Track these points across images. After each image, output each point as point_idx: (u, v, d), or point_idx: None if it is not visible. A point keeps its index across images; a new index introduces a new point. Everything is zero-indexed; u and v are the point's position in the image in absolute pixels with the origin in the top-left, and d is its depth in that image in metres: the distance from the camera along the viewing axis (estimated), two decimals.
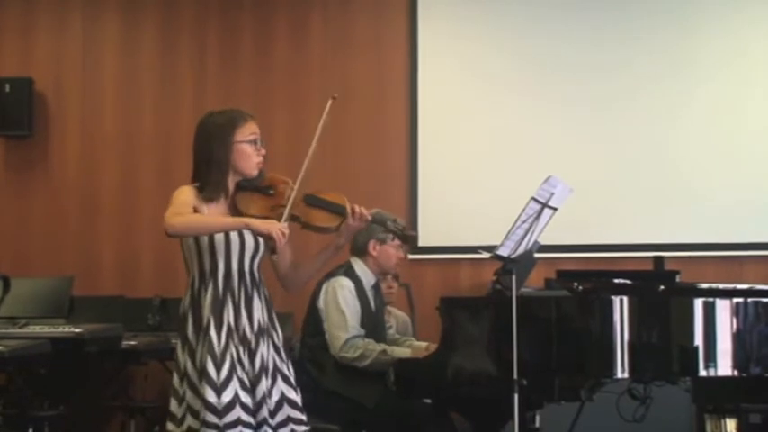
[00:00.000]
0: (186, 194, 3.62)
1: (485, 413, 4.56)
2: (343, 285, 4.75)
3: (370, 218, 3.85)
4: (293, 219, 3.67)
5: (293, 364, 3.82)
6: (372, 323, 4.82)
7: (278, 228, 3.51)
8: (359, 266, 4.86)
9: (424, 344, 4.94)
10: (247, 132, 3.70)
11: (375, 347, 4.65)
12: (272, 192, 3.73)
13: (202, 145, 3.69)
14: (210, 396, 3.52)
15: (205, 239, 3.61)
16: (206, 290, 3.65)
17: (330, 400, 4.67)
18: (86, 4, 7.29)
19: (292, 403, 3.70)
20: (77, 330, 5.53)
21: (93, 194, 7.17)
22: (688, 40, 6.83)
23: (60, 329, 5.60)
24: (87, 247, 7.12)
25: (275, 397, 3.66)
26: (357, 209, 3.79)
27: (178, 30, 7.22)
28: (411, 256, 6.39)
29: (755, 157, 6.69)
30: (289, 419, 3.68)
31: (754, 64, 6.76)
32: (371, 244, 4.84)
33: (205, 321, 3.61)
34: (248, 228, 3.56)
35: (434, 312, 4.73)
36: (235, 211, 3.69)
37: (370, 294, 4.87)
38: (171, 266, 6.98)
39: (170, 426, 3.62)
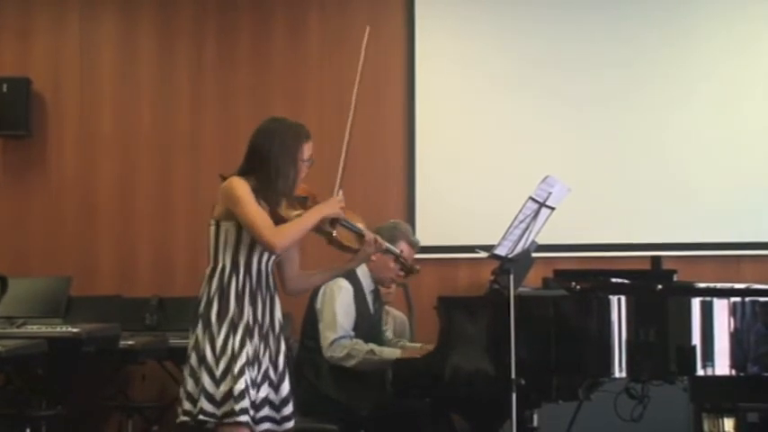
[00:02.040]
0: (249, 192, 3.69)
1: (483, 413, 4.56)
2: (342, 287, 4.75)
3: (384, 248, 4.01)
4: (324, 233, 3.82)
5: (292, 366, 3.89)
6: (368, 327, 4.81)
7: (338, 203, 3.79)
8: (361, 270, 4.84)
9: (417, 345, 4.93)
10: (308, 152, 3.83)
11: (362, 348, 4.64)
12: (309, 203, 3.87)
13: (273, 152, 3.75)
14: (242, 384, 3.63)
15: (249, 236, 3.70)
16: (239, 281, 3.73)
17: (327, 403, 4.67)
18: (84, 4, 7.28)
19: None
20: (75, 330, 5.53)
21: (91, 194, 7.16)
22: (687, 39, 6.83)
23: (58, 329, 5.60)
24: (85, 247, 7.11)
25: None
26: (374, 236, 3.94)
27: (176, 30, 7.22)
28: None
29: (753, 156, 6.69)
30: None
31: (753, 63, 6.77)
32: None
33: (245, 315, 3.70)
34: (323, 217, 3.76)
35: (432, 312, 4.74)
36: (274, 214, 3.76)
37: (369, 298, 4.86)
38: (168, 266, 7.00)
39: (187, 405, 3.69)
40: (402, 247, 4.66)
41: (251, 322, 3.70)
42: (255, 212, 3.66)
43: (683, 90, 6.80)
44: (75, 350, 5.50)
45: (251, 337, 3.69)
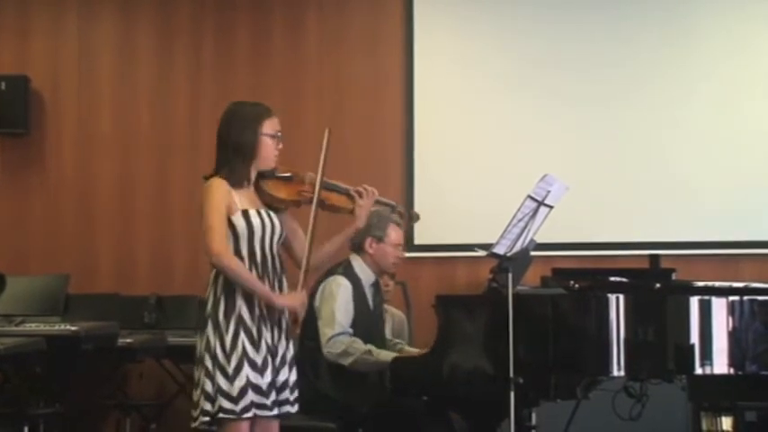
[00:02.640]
0: (220, 196, 3.74)
1: (481, 411, 4.55)
2: (340, 284, 4.74)
3: (376, 193, 4.06)
4: (319, 203, 3.89)
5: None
6: (368, 323, 4.79)
7: (301, 303, 3.82)
8: (358, 264, 4.83)
9: (415, 350, 4.93)
10: (272, 126, 3.89)
11: (360, 347, 4.63)
12: (294, 179, 3.95)
13: (230, 131, 3.86)
14: (256, 378, 3.70)
15: (243, 225, 3.75)
16: None
17: (326, 402, 4.66)
18: (82, 2, 7.28)
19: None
20: (73, 328, 5.53)
21: (90, 192, 7.16)
22: (687, 39, 6.83)
23: (56, 327, 5.60)
24: (84, 245, 7.11)
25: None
26: (361, 187, 4.03)
27: (174, 28, 7.22)
28: (407, 255, 6.39)
29: (752, 155, 6.69)
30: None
31: (753, 63, 6.76)
32: (368, 241, 4.82)
33: (255, 306, 3.74)
34: (280, 305, 3.78)
35: (431, 310, 4.73)
36: (263, 195, 3.85)
37: (368, 293, 4.84)
38: (167, 265, 7.00)
39: (207, 405, 3.71)
40: (391, 232, 4.80)
41: (263, 310, 3.74)
42: (216, 219, 3.70)
43: (683, 90, 6.79)
44: (73, 348, 5.51)
45: (262, 327, 3.74)
